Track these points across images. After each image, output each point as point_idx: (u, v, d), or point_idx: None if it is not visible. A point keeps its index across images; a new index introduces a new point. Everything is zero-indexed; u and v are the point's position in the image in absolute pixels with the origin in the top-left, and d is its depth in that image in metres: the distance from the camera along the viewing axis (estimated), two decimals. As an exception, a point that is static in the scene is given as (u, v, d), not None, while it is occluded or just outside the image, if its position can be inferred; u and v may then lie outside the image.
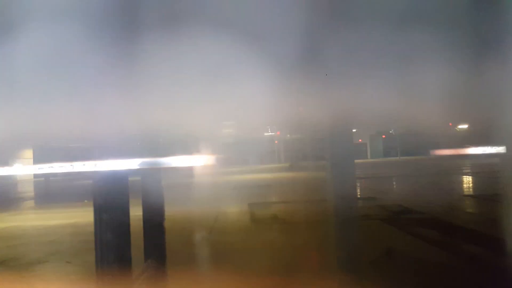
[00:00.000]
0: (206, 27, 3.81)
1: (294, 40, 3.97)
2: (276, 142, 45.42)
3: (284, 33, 3.87)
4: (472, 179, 18.73)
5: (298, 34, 3.90)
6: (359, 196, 13.30)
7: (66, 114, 3.97)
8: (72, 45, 3.61)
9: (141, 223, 5.49)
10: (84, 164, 4.02)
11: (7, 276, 6.24)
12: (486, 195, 12.25)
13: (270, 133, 36.38)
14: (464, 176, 20.13)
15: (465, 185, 16.89)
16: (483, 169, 20.02)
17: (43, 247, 7.91)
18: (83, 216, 10.72)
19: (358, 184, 16.39)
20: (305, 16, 3.83)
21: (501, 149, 6.91)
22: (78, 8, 3.58)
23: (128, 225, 4.19)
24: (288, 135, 38.94)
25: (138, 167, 4.32)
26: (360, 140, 49.98)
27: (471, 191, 14.88)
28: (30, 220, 11.91)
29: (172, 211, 6.22)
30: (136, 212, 4.85)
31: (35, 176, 31.56)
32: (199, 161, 4.14)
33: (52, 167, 4.49)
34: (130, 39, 3.77)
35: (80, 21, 3.53)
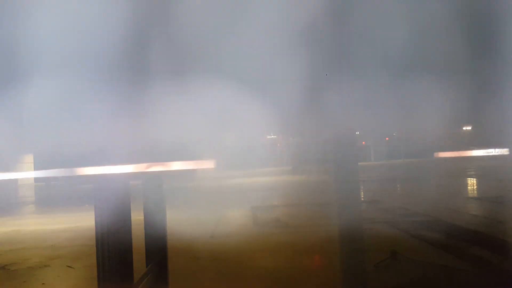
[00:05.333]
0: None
1: (297, 43, 3.95)
2: (278, 145, 45.33)
3: (286, 32, 3.85)
4: (477, 181, 18.63)
5: (302, 35, 3.89)
6: (363, 199, 13.22)
7: (68, 119, 3.95)
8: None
9: (143, 227, 5.45)
10: (85, 169, 3.97)
11: (9, 280, 6.20)
12: (491, 198, 12.18)
13: (272, 136, 36.32)
14: (469, 179, 20.04)
15: (469, 188, 16.79)
16: (487, 171, 19.93)
17: (44, 251, 7.88)
18: (84, 221, 10.70)
19: (361, 187, 16.33)
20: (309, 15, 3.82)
21: (505, 151, 6.86)
22: (88, 56, 3.62)
23: (129, 229, 4.14)
24: (291, 138, 38.86)
25: (139, 172, 4.28)
26: (363, 143, 49.79)
27: (475, 194, 14.79)
28: (31, 224, 11.89)
29: (173, 215, 6.18)
30: (137, 216, 4.80)
31: (36, 180, 31.52)
32: (201, 165, 4.10)
33: (53, 171, 4.46)
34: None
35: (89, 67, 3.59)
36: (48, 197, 21.05)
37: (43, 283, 5.89)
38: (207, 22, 3.65)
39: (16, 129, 3.66)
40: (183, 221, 9.56)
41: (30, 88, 3.50)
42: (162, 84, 3.77)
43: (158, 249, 5.38)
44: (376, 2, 3.96)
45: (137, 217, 4.71)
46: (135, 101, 3.83)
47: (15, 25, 3.51)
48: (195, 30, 3.66)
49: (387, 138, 49.67)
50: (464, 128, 10.48)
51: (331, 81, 4.18)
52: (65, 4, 3.48)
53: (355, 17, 4.01)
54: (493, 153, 7.14)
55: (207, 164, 3.97)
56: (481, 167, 23.07)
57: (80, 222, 10.81)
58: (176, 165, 4.06)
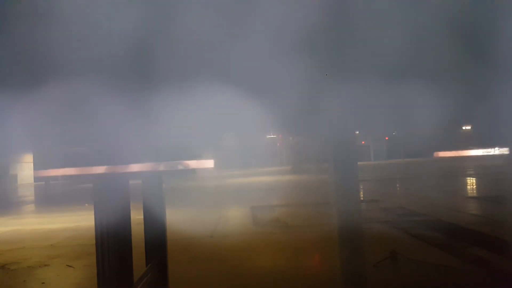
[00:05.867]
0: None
1: (296, 40, 3.96)
2: (278, 144, 45.38)
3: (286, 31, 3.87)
4: (476, 180, 18.63)
5: (302, 31, 3.90)
6: (362, 199, 13.23)
7: (68, 118, 3.97)
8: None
9: (142, 226, 5.44)
10: (84, 168, 3.97)
11: (9, 280, 6.20)
12: (490, 197, 12.19)
13: (272, 136, 36.38)
14: (468, 178, 20.05)
15: (468, 187, 16.80)
16: (487, 170, 19.96)
17: (44, 250, 7.88)
18: (83, 220, 10.71)
19: (361, 187, 16.34)
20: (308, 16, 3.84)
21: (504, 151, 6.87)
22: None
23: (129, 228, 4.14)
24: (291, 138, 38.89)
25: (139, 171, 4.28)
26: (363, 142, 49.79)
27: (474, 193, 14.79)
28: (31, 223, 11.90)
29: (173, 214, 6.18)
30: (137, 216, 4.80)
31: (36, 179, 31.54)
32: (201, 165, 4.11)
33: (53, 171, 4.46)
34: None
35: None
36: (48, 196, 21.02)
37: (43, 282, 5.89)
38: (210, 27, 3.67)
39: (16, 129, 3.67)
40: (183, 221, 9.57)
41: (34, 90, 3.51)
42: (162, 86, 3.79)
43: (158, 249, 5.39)
44: (376, 5, 3.98)
45: (137, 217, 4.71)
46: (135, 101, 3.84)
47: (19, 28, 3.52)
48: (198, 34, 3.68)
49: (386, 138, 49.70)
50: (464, 128, 10.51)
51: (331, 81, 4.19)
52: (73, 9, 3.50)
53: (355, 20, 4.04)
54: (492, 153, 7.16)
55: (207, 164, 3.98)
56: (481, 166, 23.13)
57: (80, 222, 10.82)
58: (177, 165, 4.07)
